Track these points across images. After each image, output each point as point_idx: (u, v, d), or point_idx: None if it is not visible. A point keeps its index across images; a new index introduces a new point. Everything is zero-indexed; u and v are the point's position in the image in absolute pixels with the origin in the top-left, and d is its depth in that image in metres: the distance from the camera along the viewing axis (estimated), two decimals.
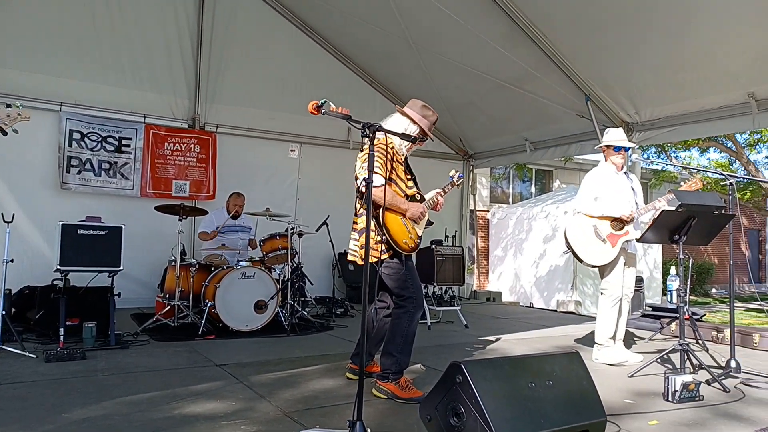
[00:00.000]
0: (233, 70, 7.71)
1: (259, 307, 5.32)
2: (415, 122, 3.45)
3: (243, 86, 7.80)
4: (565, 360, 2.61)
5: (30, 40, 6.51)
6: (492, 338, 5.51)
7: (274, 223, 6.17)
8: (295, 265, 5.96)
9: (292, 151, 8.31)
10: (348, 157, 8.21)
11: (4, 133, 2.86)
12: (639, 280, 7.07)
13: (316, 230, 6.70)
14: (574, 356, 2.67)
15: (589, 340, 5.11)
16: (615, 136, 4.60)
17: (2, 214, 4.22)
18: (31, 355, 3.96)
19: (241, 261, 5.59)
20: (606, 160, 4.60)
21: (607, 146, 4.56)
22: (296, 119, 7.97)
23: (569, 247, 4.50)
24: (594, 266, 4.53)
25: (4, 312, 4.04)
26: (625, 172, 4.61)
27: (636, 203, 4.48)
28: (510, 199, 14.26)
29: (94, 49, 6.86)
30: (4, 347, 3.95)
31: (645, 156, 13.23)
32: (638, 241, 4.35)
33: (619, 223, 4.36)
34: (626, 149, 4.54)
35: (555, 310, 8.76)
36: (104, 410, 2.89)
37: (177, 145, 7.28)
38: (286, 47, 8.10)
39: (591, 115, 6.89)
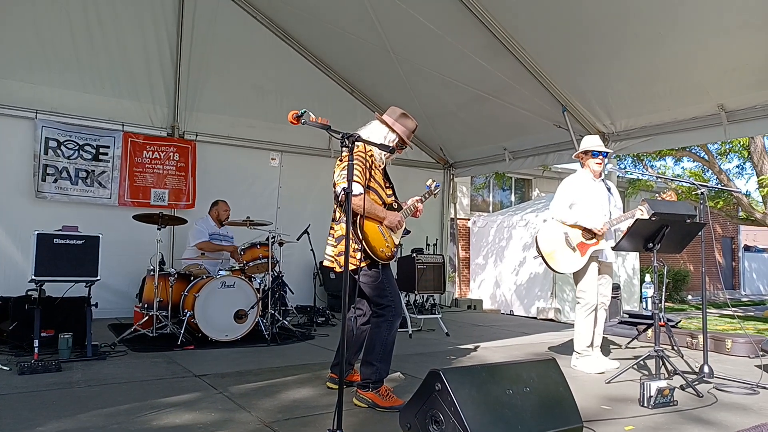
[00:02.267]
0: (213, 77, 7.69)
1: (239, 316, 5.28)
2: (393, 130, 3.48)
3: (223, 94, 7.78)
4: (542, 367, 2.66)
5: (4, 46, 6.42)
6: (472, 346, 5.55)
7: (254, 232, 6.15)
8: (275, 274, 5.94)
9: (272, 159, 8.30)
10: (329, 166, 8.16)
11: None
12: (616, 288, 7.20)
13: (297, 239, 6.69)
14: (551, 363, 2.72)
15: (566, 347, 5.19)
16: (592, 142, 4.64)
17: None
18: (4, 368, 3.88)
19: (221, 270, 5.55)
20: (583, 167, 4.66)
21: (585, 152, 4.59)
22: (277, 127, 7.98)
23: (539, 253, 4.56)
24: (562, 273, 4.59)
25: None
26: (602, 180, 4.68)
27: (610, 212, 4.56)
28: (490, 208, 14.40)
29: (72, 55, 6.79)
30: None
31: (621, 165, 13.51)
32: (613, 249, 4.43)
33: (589, 232, 4.42)
34: (604, 155, 4.59)
35: (535, 318, 8.85)
36: (80, 423, 2.84)
37: (156, 153, 7.22)
38: (267, 55, 8.11)
39: (568, 125, 7.02)
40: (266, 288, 5.66)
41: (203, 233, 6.18)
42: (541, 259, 4.55)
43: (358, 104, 8.88)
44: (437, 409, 2.35)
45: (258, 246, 5.78)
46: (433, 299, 7.14)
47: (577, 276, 4.46)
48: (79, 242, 4.33)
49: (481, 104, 7.64)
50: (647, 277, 5.03)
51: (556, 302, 9.16)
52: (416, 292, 6.28)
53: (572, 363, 4.46)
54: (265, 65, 8.10)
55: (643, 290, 5.75)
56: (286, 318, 6.24)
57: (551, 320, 8.55)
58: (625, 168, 12.89)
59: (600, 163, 4.58)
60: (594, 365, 4.35)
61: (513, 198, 14.86)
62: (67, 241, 4.28)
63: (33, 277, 4.19)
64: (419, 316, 6.57)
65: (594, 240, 4.40)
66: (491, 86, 7.16)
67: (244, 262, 5.75)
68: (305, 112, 2.71)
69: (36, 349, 4.13)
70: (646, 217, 4.14)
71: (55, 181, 6.58)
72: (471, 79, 7.22)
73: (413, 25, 6.55)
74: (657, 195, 4.64)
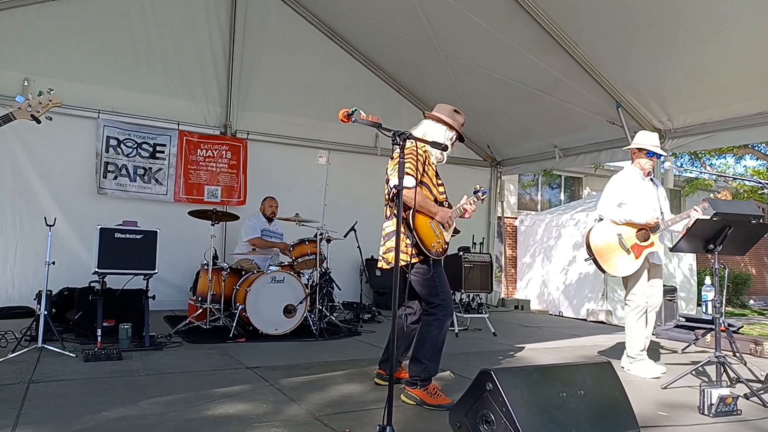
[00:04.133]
0: (264, 77, 7.87)
1: (289, 311, 5.39)
2: (452, 127, 3.48)
3: (273, 93, 7.95)
4: (597, 370, 2.59)
5: (69, 49, 6.76)
6: (520, 347, 5.47)
7: (302, 229, 6.26)
8: (323, 270, 6.02)
9: (320, 157, 8.40)
10: (376, 164, 8.30)
11: (38, 121, 2.90)
12: (672, 290, 6.92)
13: (344, 236, 6.76)
14: (606, 366, 2.64)
15: (618, 350, 5.02)
16: (649, 139, 4.42)
17: (45, 218, 4.38)
18: (71, 355, 4.09)
19: (272, 266, 5.67)
20: (633, 163, 4.49)
21: (639, 149, 4.41)
22: (325, 126, 8.09)
23: (591, 255, 4.36)
24: (615, 276, 4.43)
25: (46, 312, 4.17)
26: (651, 179, 4.50)
27: (662, 212, 4.39)
28: (538, 206, 14.12)
29: (131, 57, 7.09)
30: (46, 346, 4.09)
31: (678, 164, 12.97)
32: (671, 250, 4.26)
33: (644, 233, 4.25)
34: (658, 156, 4.42)
35: (585, 320, 8.62)
36: (140, 410, 2.97)
37: (209, 151, 7.46)
38: (315, 55, 8.22)
39: (622, 121, 6.80)
40: (314, 284, 5.75)
41: (255, 229, 6.33)
42: (593, 261, 4.38)
43: (404, 102, 8.89)
44: (488, 409, 2.32)
45: (307, 242, 5.88)
46: (480, 298, 7.07)
47: (627, 278, 4.30)
48: (139, 237, 4.52)
49: (531, 100, 7.49)
50: (707, 280, 4.81)
51: (607, 304, 8.89)
52: (463, 291, 6.24)
53: (625, 367, 4.32)
54: (313, 64, 8.21)
55: (702, 293, 5.49)
56: (333, 314, 6.31)
57: (602, 322, 8.31)
58: (682, 165, 12.36)
59: (652, 164, 4.42)
60: (649, 370, 4.20)
61: (562, 196, 14.52)
62: (127, 236, 4.48)
63: (96, 270, 4.40)
64: (466, 315, 6.52)
65: (649, 242, 4.23)
66: (541, 82, 7.01)
67: (293, 257, 5.86)
68: (356, 110, 2.72)
69: (99, 338, 4.34)
70: (706, 217, 3.96)
71: (115, 178, 6.89)
72: (520, 75, 7.09)
73: (461, 21, 6.49)
74: (714, 194, 4.43)
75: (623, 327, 4.53)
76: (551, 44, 6.28)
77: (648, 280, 4.33)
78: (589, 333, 6.85)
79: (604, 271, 4.37)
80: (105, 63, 6.96)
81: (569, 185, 14.76)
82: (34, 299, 4.82)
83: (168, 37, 7.29)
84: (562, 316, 9.22)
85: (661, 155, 4.45)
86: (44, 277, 4.26)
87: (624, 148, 4.93)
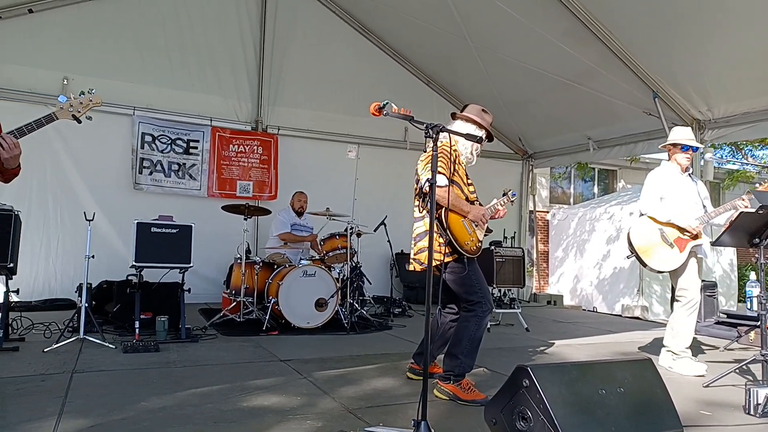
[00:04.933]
0: (294, 73, 7.92)
1: (320, 305, 5.42)
2: (482, 126, 3.45)
3: (303, 89, 7.99)
4: (637, 367, 2.52)
5: (106, 48, 6.92)
6: (554, 342, 5.38)
7: (333, 223, 6.28)
8: (354, 264, 6.03)
9: (350, 152, 8.40)
10: (405, 158, 8.27)
11: (78, 121, 2.96)
12: (712, 285, 6.71)
13: (375, 230, 6.75)
14: (647, 363, 2.57)
15: (656, 346, 4.89)
16: (682, 134, 4.34)
17: (84, 213, 4.50)
18: (111, 346, 4.21)
19: (303, 260, 5.72)
20: (670, 160, 4.38)
21: (674, 145, 4.32)
22: (354, 120, 8.10)
23: (633, 251, 4.28)
24: (660, 272, 4.32)
25: (87, 305, 4.30)
26: (689, 174, 4.38)
27: (704, 206, 4.26)
28: (571, 200, 13.86)
29: (164, 55, 7.23)
30: (87, 337, 4.22)
31: (717, 155, 12.56)
32: (713, 244, 4.12)
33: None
34: (694, 149, 4.30)
35: (620, 315, 8.44)
36: (177, 400, 3.03)
37: (241, 146, 7.55)
38: (344, 49, 8.23)
39: (659, 112, 6.60)
40: (345, 278, 5.77)
41: (285, 224, 6.39)
42: (635, 257, 4.28)
43: (434, 95, 8.83)
44: (525, 405, 2.29)
45: (337, 237, 5.90)
46: (512, 293, 6.98)
47: (677, 273, 4.18)
48: (174, 231, 4.61)
49: (564, 91, 7.34)
50: (752, 275, 4.64)
51: (643, 299, 8.69)
52: (495, 286, 6.17)
53: (666, 364, 4.20)
54: (343, 59, 8.22)
55: (747, 289, 5.30)
56: (364, 308, 6.33)
57: (637, 318, 8.12)
58: (722, 156, 11.95)
59: (689, 158, 4.31)
60: (692, 368, 4.07)
61: (596, 189, 14.21)
62: (163, 230, 4.57)
63: (133, 263, 4.51)
64: (498, 311, 6.44)
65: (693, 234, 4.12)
66: (575, 72, 6.86)
67: (324, 252, 5.89)
68: (387, 103, 2.70)
69: (137, 330, 4.45)
70: (752, 209, 3.81)
71: (151, 173, 7.04)
72: (553, 66, 6.95)
73: (493, 12, 6.39)
74: (756, 186, 4.28)
75: (660, 323, 4.43)
76: (586, 34, 6.14)
77: None
78: (625, 329, 6.69)
79: (646, 266, 4.26)
80: (140, 61, 7.10)
81: (603, 178, 14.43)
82: (75, 292, 4.98)
83: (200, 35, 7.40)
84: (596, 311, 9.05)
85: (697, 148, 4.33)
86: (84, 270, 4.38)
87: (660, 146, 4.79)
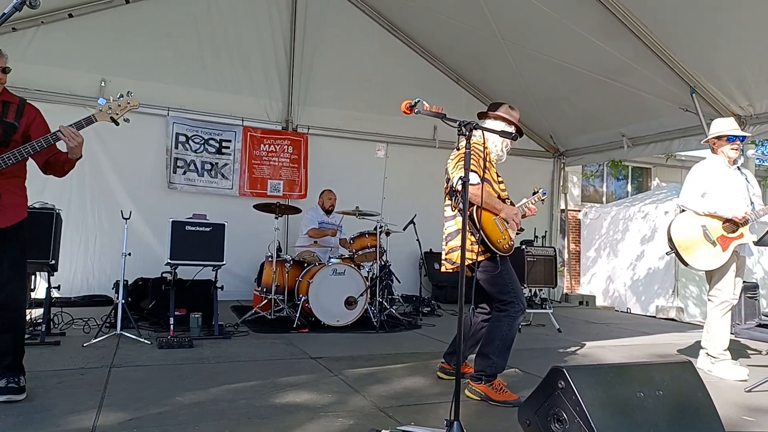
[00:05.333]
0: (323, 72, 7.96)
1: (349, 303, 5.44)
2: (511, 122, 3.41)
3: (332, 88, 8.03)
4: (676, 369, 2.45)
5: (141, 50, 7.08)
6: (587, 343, 5.28)
7: (362, 222, 6.30)
8: (383, 262, 6.04)
9: (378, 150, 8.40)
10: (434, 156, 8.23)
11: (116, 123, 3.04)
12: (754, 287, 6.49)
13: (404, 229, 6.73)
14: (687, 366, 2.50)
15: (694, 350, 4.76)
16: (726, 125, 4.16)
17: (121, 211, 4.62)
18: (146, 342, 4.30)
19: (332, 258, 5.74)
20: (715, 153, 4.22)
21: (718, 138, 4.16)
22: (383, 119, 8.12)
23: (672, 247, 4.14)
24: (700, 270, 4.18)
25: (123, 301, 4.41)
26: (738, 167, 4.20)
27: (752, 202, 4.09)
28: (603, 198, 13.59)
29: (197, 56, 7.36)
30: (124, 333, 4.32)
31: (759, 151, 12.12)
32: (756, 244, 3.99)
33: (731, 224, 3.99)
34: (741, 139, 4.12)
35: (654, 317, 8.24)
36: (212, 396, 3.08)
37: (272, 146, 7.64)
38: (373, 48, 8.24)
39: (697, 108, 6.40)
40: (374, 276, 5.77)
41: (313, 221, 6.45)
42: (675, 254, 4.15)
43: (464, 93, 8.76)
44: (560, 407, 2.24)
45: (366, 235, 5.92)
46: (543, 293, 6.88)
47: (713, 272, 4.05)
48: (208, 229, 4.69)
49: (597, 88, 7.19)
50: None
51: (678, 300, 8.47)
52: (526, 286, 6.09)
53: (705, 367, 4.08)
54: (372, 57, 8.23)
55: None
56: (393, 306, 6.33)
57: (672, 320, 7.91)
58: (764, 153, 11.53)
59: (736, 149, 4.11)
60: (733, 371, 3.93)
61: (629, 188, 13.89)
62: (197, 228, 4.66)
63: (168, 261, 4.60)
64: (529, 311, 6.34)
65: (737, 233, 3.97)
66: (608, 68, 6.71)
67: (354, 250, 5.91)
68: (419, 101, 2.69)
69: (171, 326, 4.54)
70: None
71: (185, 173, 7.18)
72: (585, 62, 6.82)
73: (524, 8, 6.30)
74: None
75: (696, 324, 4.31)
76: (620, 29, 5.99)
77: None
78: (660, 330, 6.52)
79: (687, 265, 4.12)
80: (174, 62, 7.25)
81: (637, 176, 14.10)
82: (112, 288, 5.12)
83: (232, 37, 7.51)
84: (629, 312, 8.86)
85: (744, 137, 4.15)
86: (121, 267, 4.50)
87: (702, 141, 4.63)
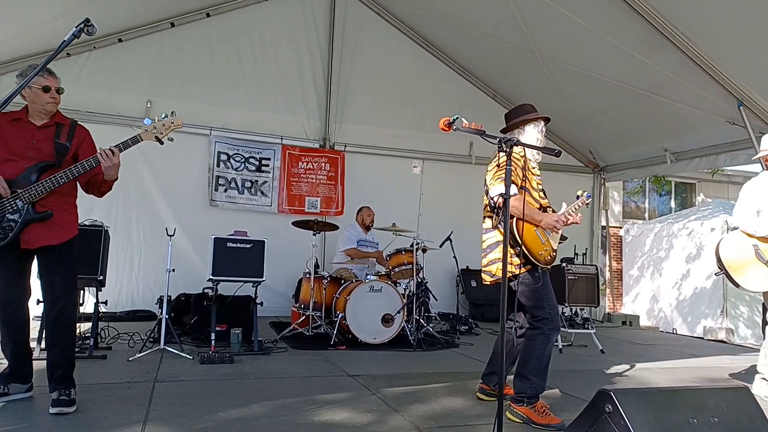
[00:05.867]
0: (360, 91, 8.07)
1: (386, 320, 5.43)
2: (537, 118, 3.40)
3: (368, 106, 8.13)
4: (732, 395, 2.34)
5: (185, 72, 7.33)
6: (632, 365, 5.11)
7: (398, 238, 6.30)
8: (419, 279, 6.01)
9: (415, 167, 8.41)
10: (470, 172, 8.20)
11: (161, 142, 3.16)
12: None
13: (440, 246, 6.71)
14: (744, 392, 2.38)
15: (748, 374, 4.54)
16: None
17: (166, 228, 4.75)
18: (188, 357, 4.39)
19: (369, 275, 5.75)
20: (766, 170, 4.08)
21: None
22: (419, 135, 8.16)
23: (722, 268, 4.00)
24: (753, 292, 4.00)
25: (167, 316, 4.51)
26: None
27: None
28: (646, 215, 13.22)
29: (238, 77, 7.57)
30: (167, 348, 4.42)
31: None
32: None
33: None
34: None
35: (701, 338, 7.92)
36: (253, 412, 3.11)
37: (309, 163, 7.76)
38: (410, 66, 8.31)
39: (745, 121, 6.19)
40: (411, 293, 5.75)
41: (352, 240, 6.47)
42: (724, 275, 3.99)
43: (500, 109, 8.67)
44: None
45: (403, 252, 5.91)
46: (584, 313, 6.71)
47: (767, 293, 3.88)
48: (248, 246, 4.77)
49: (637, 102, 7.05)
50: None
51: (727, 321, 8.10)
52: (567, 305, 5.95)
53: (762, 393, 3.87)
54: (408, 75, 8.30)
55: None
56: (430, 324, 6.27)
57: (722, 341, 7.58)
58: None
59: None
60: None
61: (672, 204, 13.49)
62: (238, 245, 4.75)
63: (210, 277, 4.70)
64: (570, 331, 6.20)
65: None
66: (649, 81, 6.57)
67: (390, 267, 5.90)
68: (457, 118, 2.68)
69: (212, 342, 4.62)
70: None
71: (226, 190, 7.36)
72: (625, 76, 6.69)
73: (562, 22, 6.25)
74: None
75: (747, 347, 4.11)
76: (660, 41, 5.87)
77: None
78: (709, 353, 6.26)
79: (738, 286, 3.96)
80: (216, 83, 7.47)
81: (680, 191, 13.69)
82: (156, 304, 5.25)
83: (272, 57, 7.71)
84: (675, 333, 8.53)
85: None
86: (165, 283, 4.61)
87: (753, 158, 4.48)
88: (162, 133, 3.14)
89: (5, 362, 3.12)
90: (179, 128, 3.22)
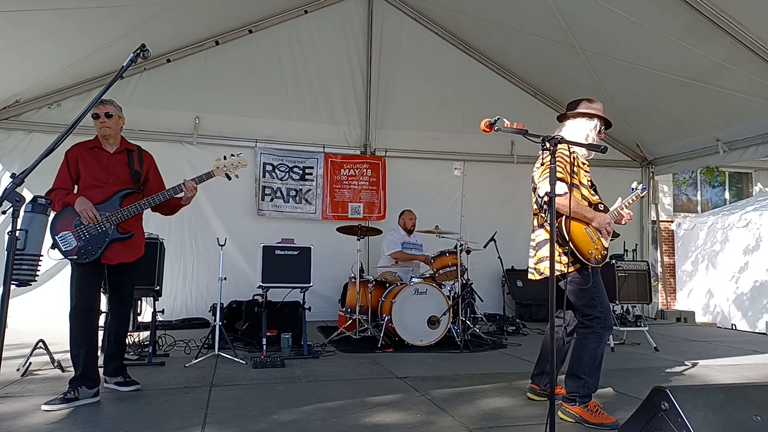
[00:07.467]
0: (399, 96, 8.13)
1: (432, 322, 5.44)
2: (593, 115, 3.30)
3: (408, 110, 8.17)
4: None
5: (230, 87, 7.58)
6: (688, 363, 4.94)
7: (442, 241, 6.30)
8: (464, 281, 6.00)
9: (456, 169, 8.43)
10: (513, 172, 8.12)
11: (229, 178, 3.68)
12: None
13: (484, 246, 6.67)
14: None
15: None
16: None
17: (218, 238, 4.93)
18: (241, 361, 4.53)
19: (414, 277, 5.78)
20: None
21: None
22: (459, 137, 8.16)
23: None
24: None
25: (221, 323, 4.67)
26: None
27: None
28: (698, 207, 12.72)
29: (281, 89, 7.77)
30: (221, 354, 4.58)
31: None
32: None
33: None
34: None
35: (764, 333, 7.56)
36: (305, 415, 3.18)
37: (351, 170, 7.88)
38: (448, 68, 8.30)
39: None
40: (456, 295, 5.74)
41: (396, 243, 6.52)
42: None
43: (541, 106, 8.61)
44: (664, 430, 2.12)
45: (447, 254, 5.91)
46: (636, 310, 6.53)
47: None
48: (295, 253, 4.89)
49: (686, 92, 6.82)
50: None
51: None
52: (618, 302, 5.80)
53: None
54: (447, 77, 8.30)
55: None
56: (476, 325, 6.24)
57: None
58: None
59: None
60: None
61: (727, 195, 12.92)
62: (286, 252, 4.87)
63: (260, 284, 4.83)
64: (622, 329, 6.04)
65: None
66: (698, 71, 6.35)
67: (435, 269, 5.91)
68: (499, 119, 2.68)
69: (264, 347, 4.75)
70: None
71: (272, 200, 7.56)
72: (672, 66, 6.49)
73: (602, 15, 6.13)
74: None
75: None
76: (709, 28, 5.66)
77: None
78: None
79: None
80: (260, 97, 7.69)
81: (735, 182, 13.09)
82: (209, 311, 5.43)
83: (312, 68, 7.86)
84: (735, 329, 8.18)
85: None
86: (218, 291, 4.77)
87: None
88: (231, 171, 3.67)
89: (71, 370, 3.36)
90: (245, 167, 3.78)
